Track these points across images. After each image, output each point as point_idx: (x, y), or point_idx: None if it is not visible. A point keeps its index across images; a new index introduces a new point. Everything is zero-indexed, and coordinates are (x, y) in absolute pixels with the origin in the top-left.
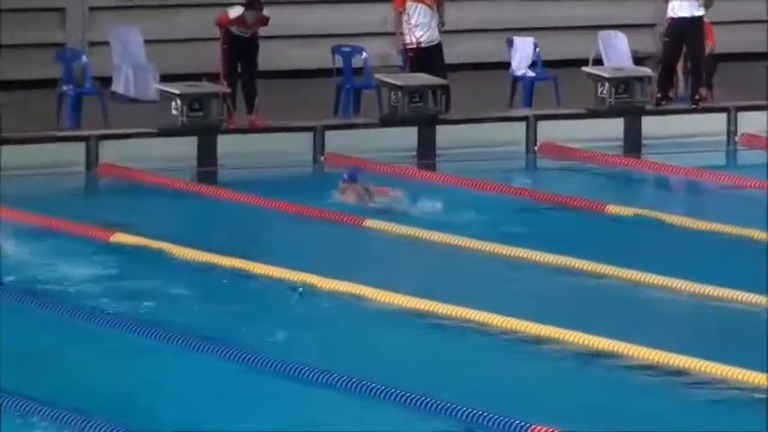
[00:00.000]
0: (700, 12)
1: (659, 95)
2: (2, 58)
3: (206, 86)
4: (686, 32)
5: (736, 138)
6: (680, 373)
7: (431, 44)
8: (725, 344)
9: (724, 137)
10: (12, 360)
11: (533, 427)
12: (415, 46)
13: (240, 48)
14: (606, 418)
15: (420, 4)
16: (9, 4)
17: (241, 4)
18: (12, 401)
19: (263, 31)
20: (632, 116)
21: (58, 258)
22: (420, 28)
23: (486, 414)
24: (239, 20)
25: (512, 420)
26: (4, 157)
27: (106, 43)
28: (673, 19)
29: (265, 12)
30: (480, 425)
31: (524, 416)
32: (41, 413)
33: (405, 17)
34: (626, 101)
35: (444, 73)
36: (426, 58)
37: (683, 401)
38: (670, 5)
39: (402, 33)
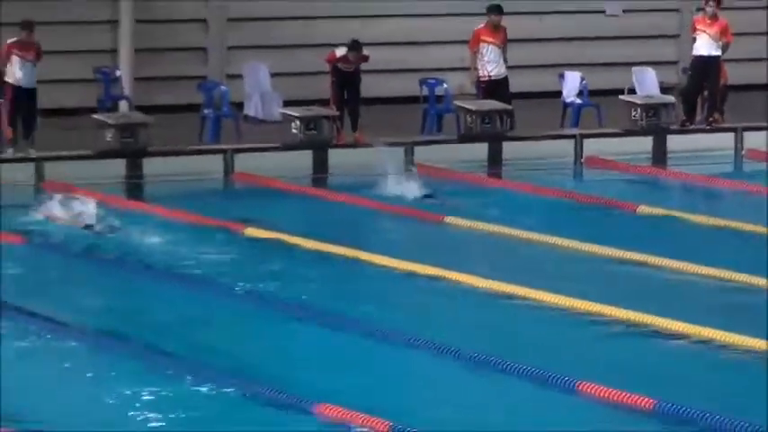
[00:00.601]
0: (717, 52)
1: (684, 118)
2: (155, 87)
3: (319, 110)
4: (706, 68)
5: (743, 152)
6: (705, 341)
7: (499, 77)
8: (734, 315)
9: (732, 152)
10: (165, 328)
11: (580, 382)
12: (486, 78)
13: (345, 80)
14: (640, 377)
15: (491, 45)
16: (162, 43)
17: (345, 45)
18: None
19: (364, 66)
20: (659, 135)
21: (201, 247)
22: (491, 64)
23: (537, 371)
24: (343, 58)
25: (561, 377)
26: (156, 166)
27: (240, 76)
28: (695, 57)
29: (365, 51)
30: (538, 381)
31: (573, 374)
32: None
33: (478, 55)
34: (654, 122)
35: (510, 100)
36: (495, 88)
37: (706, 362)
38: (694, 45)
39: (476, 68)
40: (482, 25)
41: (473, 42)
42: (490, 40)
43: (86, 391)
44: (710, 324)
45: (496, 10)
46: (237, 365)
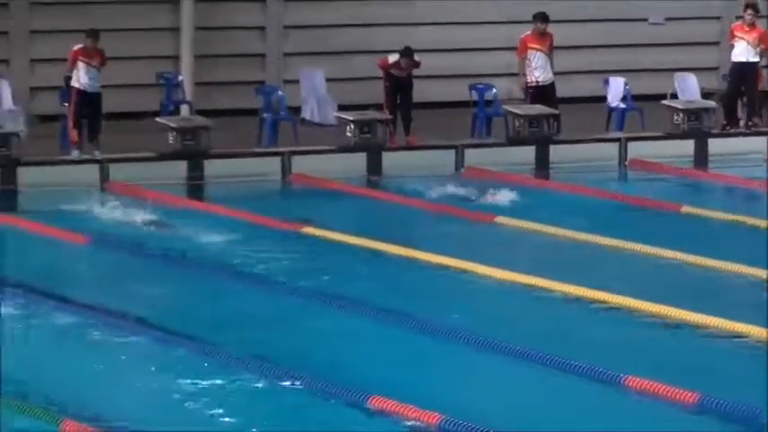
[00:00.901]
0: (756, 58)
1: (725, 122)
2: (215, 92)
3: (373, 114)
4: (744, 74)
5: None
6: (746, 337)
7: (546, 82)
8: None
9: None
10: (224, 324)
11: (626, 377)
12: (534, 84)
13: (398, 85)
14: (683, 371)
15: (538, 51)
16: (222, 50)
17: (398, 52)
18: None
19: (415, 71)
20: (701, 138)
21: (260, 246)
22: (538, 70)
23: (584, 366)
24: (396, 64)
25: (609, 372)
26: (216, 168)
27: (296, 81)
28: (734, 63)
29: (417, 57)
30: (580, 375)
31: (619, 368)
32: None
33: (526, 62)
34: (696, 126)
35: (556, 105)
36: (543, 93)
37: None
38: (733, 52)
39: (524, 74)
40: (529, 32)
41: (521, 49)
42: (537, 46)
43: (148, 386)
44: (753, 321)
45: (542, 18)
46: (293, 360)
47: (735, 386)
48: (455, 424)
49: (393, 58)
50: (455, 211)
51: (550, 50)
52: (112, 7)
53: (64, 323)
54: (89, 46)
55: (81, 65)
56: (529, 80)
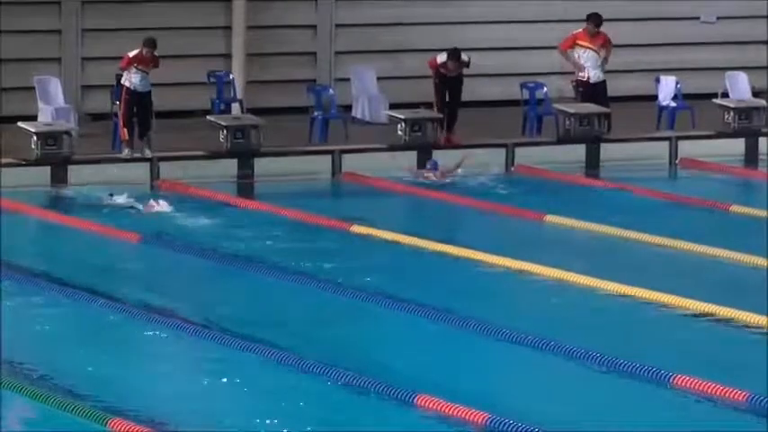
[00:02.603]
0: None
1: None
2: (266, 90)
3: (424, 113)
4: None
5: None
6: None
7: (597, 81)
8: None
9: None
10: (273, 321)
11: (675, 376)
12: (585, 81)
13: (447, 83)
14: (734, 371)
15: (588, 49)
16: (273, 48)
17: (446, 52)
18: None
19: (466, 70)
20: (751, 137)
21: (310, 243)
22: (589, 68)
23: (631, 364)
24: (443, 65)
25: (654, 369)
26: (266, 166)
27: (347, 79)
28: None
29: (466, 56)
30: (626, 372)
31: (667, 366)
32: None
33: (575, 56)
34: (746, 125)
35: (607, 103)
36: (594, 91)
37: None
38: None
39: (577, 64)
40: (581, 30)
41: (566, 43)
42: (587, 44)
43: (195, 385)
44: None
45: (594, 19)
46: (343, 357)
47: None
48: (502, 423)
49: (441, 58)
50: (505, 209)
51: (602, 49)
52: (164, 6)
53: (114, 320)
54: (145, 55)
55: (133, 68)
56: (581, 76)
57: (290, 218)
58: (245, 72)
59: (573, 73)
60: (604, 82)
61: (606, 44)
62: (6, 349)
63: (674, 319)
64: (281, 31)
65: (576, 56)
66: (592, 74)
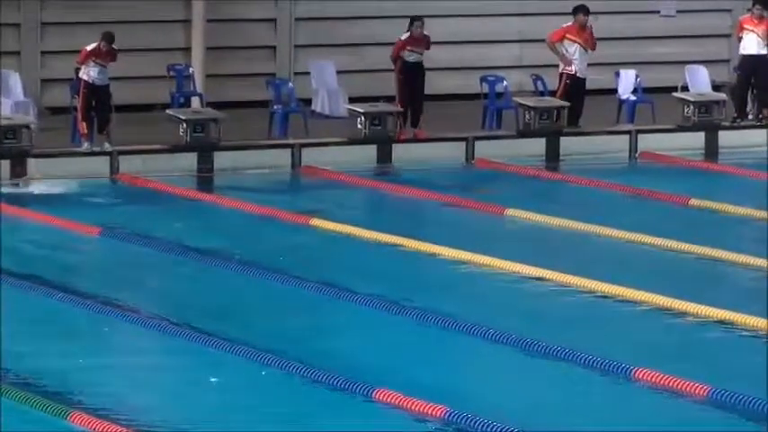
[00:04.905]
0: (764, 50)
1: (735, 115)
2: (226, 84)
3: (384, 106)
4: (755, 66)
5: None
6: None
7: (582, 77)
8: None
9: None
10: (229, 314)
11: (635, 369)
12: (573, 74)
13: (412, 74)
14: (695, 364)
15: (576, 44)
16: (233, 42)
17: (408, 25)
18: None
19: (427, 63)
20: (711, 130)
21: (270, 237)
22: (577, 62)
23: (593, 358)
24: (409, 40)
25: (614, 362)
26: (224, 160)
27: (307, 73)
28: (743, 56)
29: (432, 50)
30: (586, 365)
31: (626, 359)
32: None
33: (563, 50)
34: (706, 119)
35: (583, 101)
36: (578, 86)
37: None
38: (741, 44)
39: (564, 57)
40: (570, 23)
41: (556, 35)
42: (576, 39)
43: (151, 378)
44: (762, 314)
45: (583, 10)
46: (302, 350)
47: (746, 379)
48: (460, 417)
49: (405, 35)
50: (465, 203)
51: (588, 44)
52: None
53: (72, 314)
54: (102, 48)
55: (91, 62)
56: (568, 69)
57: (249, 211)
58: (204, 66)
59: (534, 66)
60: (585, 80)
61: (591, 38)
62: None
63: (634, 313)
64: (241, 25)
65: (564, 50)
66: (579, 69)
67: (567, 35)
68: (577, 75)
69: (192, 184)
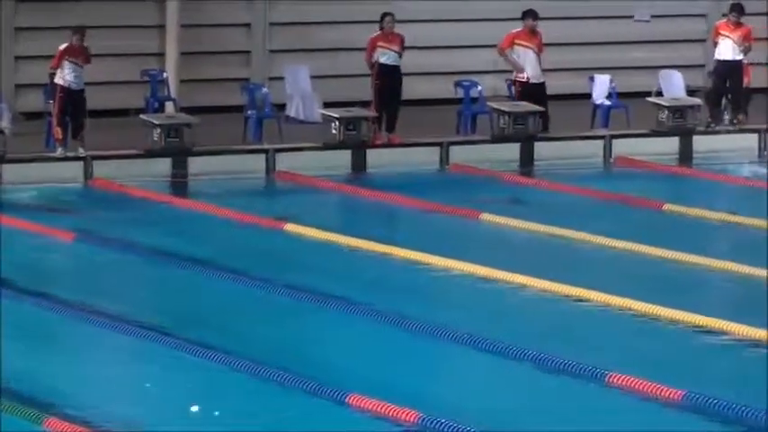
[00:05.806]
0: (739, 56)
1: (709, 120)
2: (200, 89)
3: (358, 111)
4: (729, 72)
5: (766, 152)
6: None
7: (536, 81)
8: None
9: (756, 151)
10: (205, 319)
11: (609, 374)
12: (524, 80)
13: (388, 77)
14: (670, 369)
15: (528, 49)
16: (207, 47)
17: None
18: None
19: (402, 68)
20: (685, 135)
21: (244, 242)
22: (528, 68)
23: (567, 363)
24: (381, 36)
25: (591, 368)
26: (199, 165)
27: (281, 78)
28: (718, 61)
29: (407, 54)
30: (561, 370)
31: (603, 365)
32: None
33: (514, 56)
34: (681, 124)
35: (546, 105)
36: (532, 92)
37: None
38: (716, 50)
39: (516, 68)
40: (519, 29)
41: (505, 42)
42: (526, 44)
43: (127, 383)
44: (733, 317)
45: (532, 14)
46: (275, 355)
47: (720, 383)
48: (434, 422)
49: (376, 33)
50: (440, 208)
51: (540, 49)
52: (98, 4)
53: (48, 319)
54: (75, 44)
55: (66, 63)
56: (520, 76)
57: (223, 216)
58: (178, 71)
59: (509, 71)
60: (544, 84)
61: (541, 42)
62: None
63: (606, 317)
64: (215, 30)
65: (516, 56)
66: (531, 74)
67: (517, 41)
68: (530, 81)
69: (166, 190)
